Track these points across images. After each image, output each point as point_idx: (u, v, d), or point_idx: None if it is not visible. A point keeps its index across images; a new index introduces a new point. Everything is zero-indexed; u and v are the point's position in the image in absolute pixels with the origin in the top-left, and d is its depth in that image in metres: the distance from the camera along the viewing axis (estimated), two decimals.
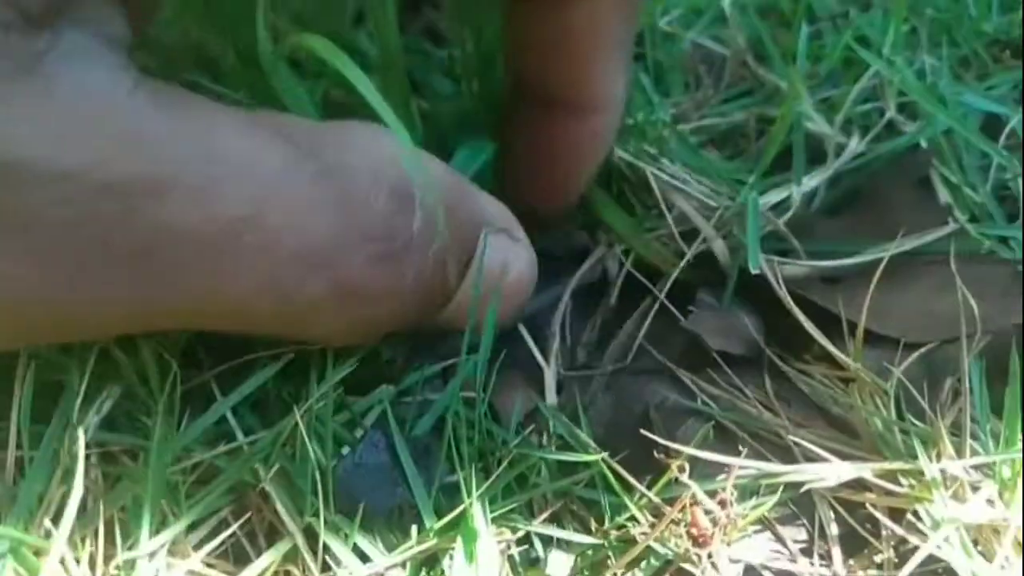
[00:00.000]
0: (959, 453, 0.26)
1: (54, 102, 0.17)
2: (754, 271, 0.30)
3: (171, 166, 0.19)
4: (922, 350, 0.30)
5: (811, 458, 0.26)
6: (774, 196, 0.35)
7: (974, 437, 0.27)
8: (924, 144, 0.37)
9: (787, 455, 0.28)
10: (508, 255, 0.28)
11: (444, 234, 0.23)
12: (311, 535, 0.24)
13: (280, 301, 0.21)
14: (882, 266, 0.30)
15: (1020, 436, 0.26)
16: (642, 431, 0.24)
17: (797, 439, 0.27)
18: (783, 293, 0.30)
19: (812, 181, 0.35)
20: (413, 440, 0.28)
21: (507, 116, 0.26)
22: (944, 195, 0.36)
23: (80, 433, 0.20)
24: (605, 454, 0.26)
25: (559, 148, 0.28)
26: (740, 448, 0.26)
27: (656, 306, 0.34)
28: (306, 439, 0.25)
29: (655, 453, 0.24)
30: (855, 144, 0.36)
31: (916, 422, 0.26)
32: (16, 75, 0.17)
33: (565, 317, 0.35)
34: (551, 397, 0.31)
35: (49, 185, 0.17)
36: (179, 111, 0.19)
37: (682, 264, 0.33)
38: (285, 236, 0.20)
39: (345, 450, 0.27)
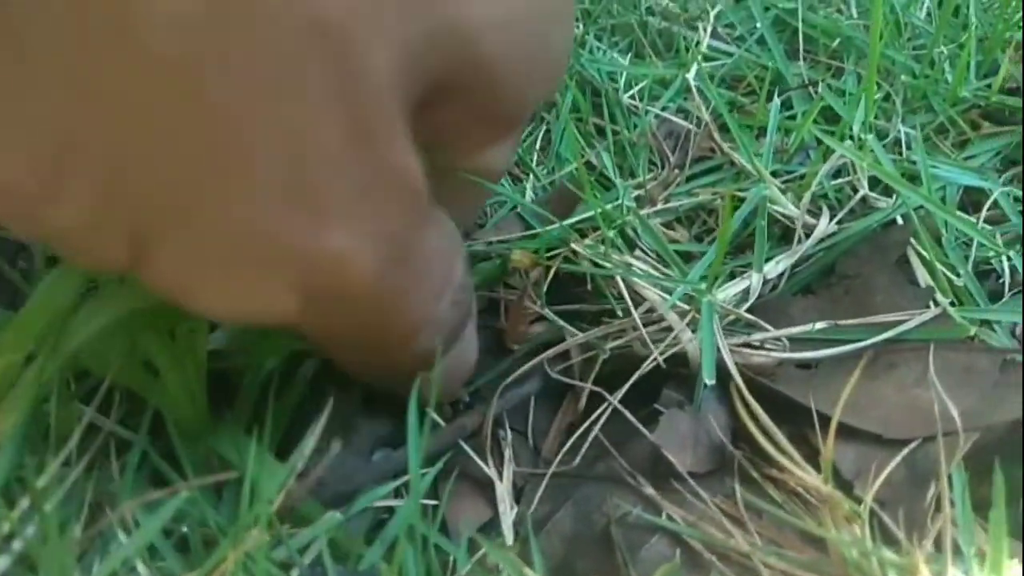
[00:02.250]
0: None
1: None
2: (709, 382, 0.28)
3: None
4: (904, 451, 0.28)
5: None
6: (743, 283, 0.34)
7: (957, 553, 0.25)
8: (900, 221, 0.36)
9: None
10: (471, 337, 0.30)
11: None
12: None
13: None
14: (863, 363, 0.28)
15: (1005, 560, 0.23)
16: None
17: (767, 564, 0.25)
18: (754, 408, 0.28)
19: (778, 266, 0.34)
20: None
21: None
22: (923, 275, 0.34)
23: None
24: None
25: None
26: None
27: (613, 406, 0.32)
28: None
29: None
30: (824, 225, 0.35)
31: (893, 555, 0.24)
32: None
33: (529, 418, 0.34)
34: (506, 522, 0.29)
35: None
36: None
37: (646, 366, 0.31)
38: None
39: None
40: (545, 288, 0.33)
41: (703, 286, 0.30)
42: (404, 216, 0.22)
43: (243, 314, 0.22)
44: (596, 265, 0.32)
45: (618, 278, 0.33)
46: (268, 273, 0.21)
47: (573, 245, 0.33)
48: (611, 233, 0.33)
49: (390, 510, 0.29)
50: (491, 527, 0.30)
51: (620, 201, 0.35)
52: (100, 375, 0.28)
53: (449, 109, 0.24)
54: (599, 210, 0.33)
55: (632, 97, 0.42)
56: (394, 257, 0.22)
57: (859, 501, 0.26)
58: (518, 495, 0.31)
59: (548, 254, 0.35)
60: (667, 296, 0.32)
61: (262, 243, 0.20)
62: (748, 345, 0.32)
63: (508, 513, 0.30)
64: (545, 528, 0.29)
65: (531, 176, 0.40)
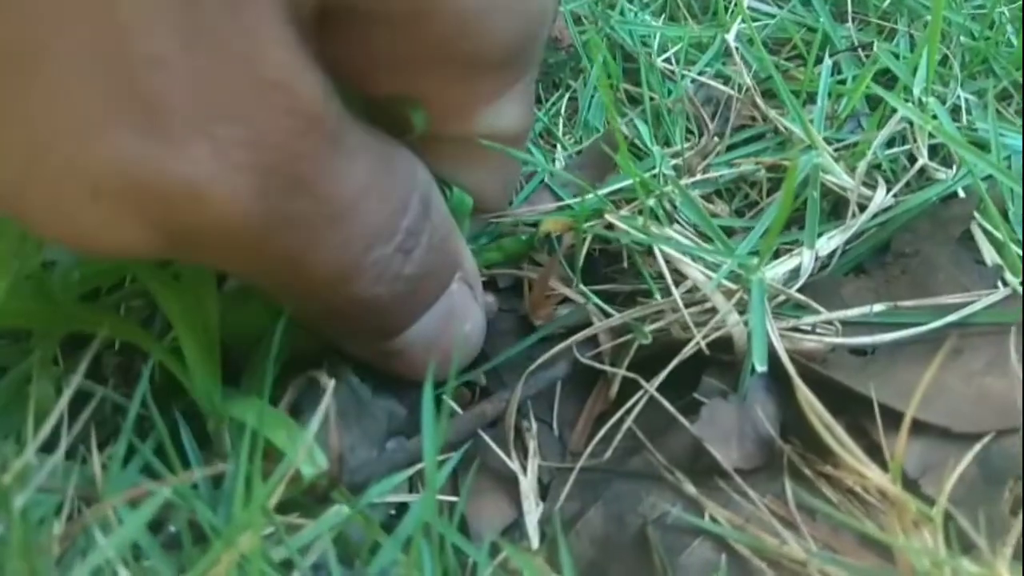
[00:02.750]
0: None
1: None
2: (760, 369, 0.25)
3: None
4: (976, 446, 0.25)
5: None
6: (792, 260, 0.31)
7: None
8: (962, 193, 0.32)
9: None
10: (468, 308, 0.28)
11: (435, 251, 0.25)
12: None
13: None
14: (945, 348, 0.25)
15: None
16: None
17: (823, 572, 0.22)
18: (810, 398, 0.25)
19: (831, 243, 0.31)
20: None
21: None
22: (990, 253, 0.31)
23: None
24: None
25: None
26: None
27: (648, 395, 0.29)
28: None
29: None
30: (880, 197, 0.32)
31: (971, 565, 0.21)
32: None
33: (555, 406, 0.31)
34: (530, 522, 0.26)
35: None
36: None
37: (687, 351, 0.28)
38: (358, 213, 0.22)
39: None
40: (580, 263, 0.31)
41: (754, 262, 0.27)
42: (292, 143, 0.19)
43: (94, 246, 0.20)
44: (635, 237, 0.29)
45: (658, 255, 0.30)
46: (106, 200, 0.18)
47: (608, 216, 0.30)
48: (650, 202, 0.30)
49: (402, 506, 0.27)
50: (514, 526, 0.28)
51: (657, 170, 0.32)
52: (93, 329, 0.25)
53: (396, 40, 0.21)
54: (637, 178, 0.30)
55: (667, 61, 0.39)
56: (284, 190, 0.19)
57: (928, 502, 0.23)
58: (543, 492, 0.29)
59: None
60: (711, 274, 0.29)
61: (89, 164, 0.18)
62: (797, 329, 0.29)
63: (533, 512, 0.28)
64: (574, 529, 0.27)
65: (559, 147, 0.37)
